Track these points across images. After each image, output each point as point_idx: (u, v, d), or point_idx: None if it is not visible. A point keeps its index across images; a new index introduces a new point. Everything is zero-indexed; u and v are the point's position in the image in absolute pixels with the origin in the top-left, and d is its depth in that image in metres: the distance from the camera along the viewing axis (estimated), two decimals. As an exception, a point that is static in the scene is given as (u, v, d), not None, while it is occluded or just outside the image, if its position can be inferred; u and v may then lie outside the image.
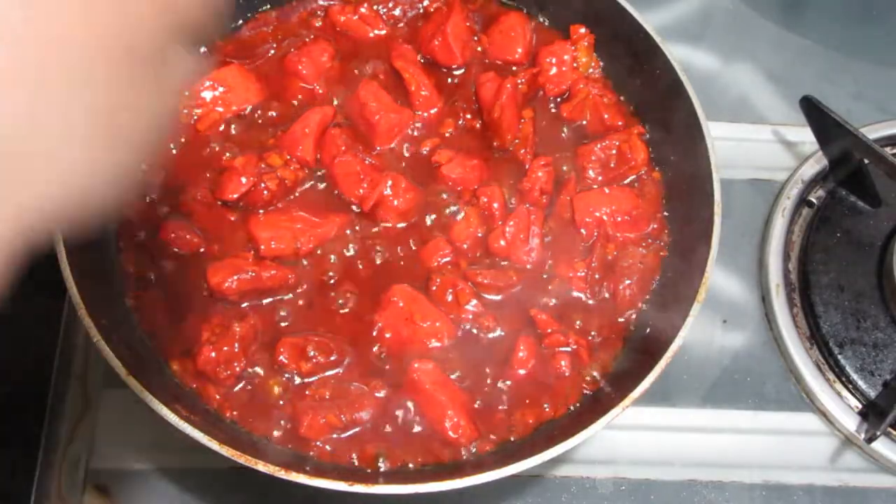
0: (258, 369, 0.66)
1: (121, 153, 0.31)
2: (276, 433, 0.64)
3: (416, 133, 0.75)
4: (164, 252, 0.68)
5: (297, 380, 0.65)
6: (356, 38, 0.79)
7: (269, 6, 0.80)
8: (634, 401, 0.60)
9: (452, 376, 0.66)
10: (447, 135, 0.76)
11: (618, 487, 0.73)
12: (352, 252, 0.70)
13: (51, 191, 0.29)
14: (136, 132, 0.32)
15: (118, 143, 0.31)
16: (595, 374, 0.68)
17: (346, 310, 0.68)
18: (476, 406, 0.66)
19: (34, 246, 0.29)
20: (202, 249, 0.68)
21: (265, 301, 0.68)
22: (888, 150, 0.81)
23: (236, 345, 0.65)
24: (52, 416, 0.71)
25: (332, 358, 0.66)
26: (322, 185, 0.72)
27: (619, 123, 0.77)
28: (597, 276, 0.71)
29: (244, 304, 0.67)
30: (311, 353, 0.66)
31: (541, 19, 0.82)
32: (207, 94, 0.73)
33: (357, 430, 0.65)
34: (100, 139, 0.30)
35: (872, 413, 0.74)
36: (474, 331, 0.68)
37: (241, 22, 0.79)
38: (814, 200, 0.84)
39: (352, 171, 0.71)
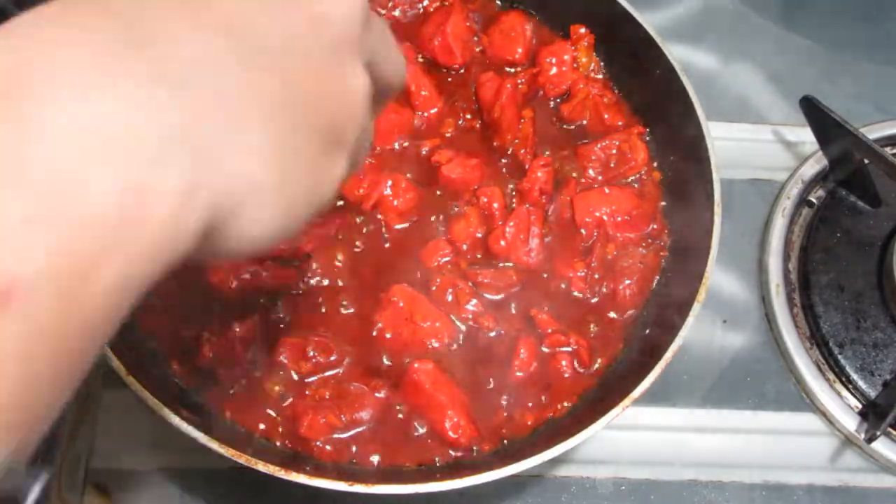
0: (258, 369, 0.66)
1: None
2: (276, 433, 0.64)
3: (416, 133, 0.75)
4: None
5: (297, 380, 0.65)
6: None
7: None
8: (634, 401, 0.60)
9: (452, 376, 0.66)
10: (447, 135, 0.76)
11: (618, 487, 0.72)
12: (352, 252, 0.70)
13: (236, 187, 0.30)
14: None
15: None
16: (595, 374, 0.68)
17: (346, 310, 0.68)
18: (476, 406, 0.66)
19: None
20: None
21: (265, 301, 0.68)
22: (888, 150, 0.81)
23: (236, 345, 0.65)
24: (52, 416, 0.71)
25: (332, 358, 0.66)
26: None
27: (619, 123, 0.77)
28: (597, 276, 0.71)
29: (244, 304, 0.67)
30: (311, 353, 0.66)
31: (541, 19, 0.82)
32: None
33: (357, 430, 0.65)
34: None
35: (872, 413, 0.74)
36: (474, 331, 0.68)
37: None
38: (814, 200, 0.84)
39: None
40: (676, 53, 0.73)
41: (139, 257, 0.27)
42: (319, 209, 0.35)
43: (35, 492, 0.27)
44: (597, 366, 0.69)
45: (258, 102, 0.30)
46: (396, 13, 0.81)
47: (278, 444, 0.64)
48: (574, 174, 0.75)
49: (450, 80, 0.79)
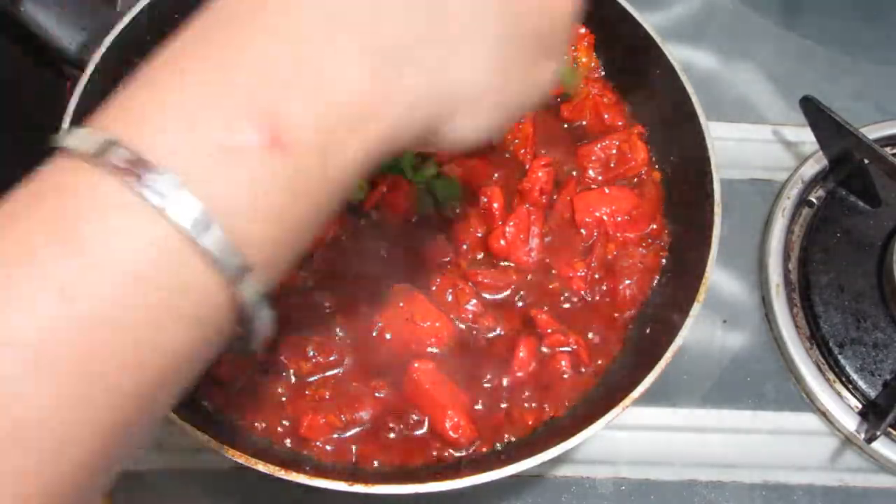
0: (258, 369, 0.66)
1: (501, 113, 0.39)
2: (276, 433, 0.64)
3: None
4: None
5: (297, 380, 0.65)
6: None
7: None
8: (634, 401, 0.60)
9: (452, 376, 0.66)
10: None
11: (618, 487, 0.73)
12: (352, 252, 0.70)
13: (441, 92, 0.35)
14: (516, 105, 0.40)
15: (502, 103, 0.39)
16: (595, 374, 0.68)
17: (347, 310, 0.68)
18: (476, 406, 0.66)
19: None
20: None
21: (265, 301, 0.68)
22: (888, 150, 0.81)
23: (236, 345, 0.65)
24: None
25: (332, 358, 0.66)
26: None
27: (619, 123, 0.77)
28: (597, 276, 0.71)
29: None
30: (311, 353, 0.66)
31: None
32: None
33: (357, 430, 0.65)
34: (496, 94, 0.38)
35: (872, 413, 0.74)
36: (474, 331, 0.68)
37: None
38: (814, 200, 0.84)
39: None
40: (676, 53, 0.73)
41: (377, 138, 0.33)
42: (528, 110, 0.40)
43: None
44: (597, 366, 0.69)
45: (481, 16, 0.35)
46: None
47: (278, 444, 0.64)
48: (574, 174, 0.75)
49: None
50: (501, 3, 0.35)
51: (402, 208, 0.71)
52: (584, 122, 0.77)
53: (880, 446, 0.74)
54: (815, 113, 0.80)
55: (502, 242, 0.70)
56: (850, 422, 0.75)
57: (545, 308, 0.69)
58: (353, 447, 0.64)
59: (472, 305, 0.68)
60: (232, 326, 0.32)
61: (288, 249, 0.32)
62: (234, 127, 0.29)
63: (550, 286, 0.70)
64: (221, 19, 0.33)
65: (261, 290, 0.31)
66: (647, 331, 0.69)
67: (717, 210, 0.68)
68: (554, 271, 0.71)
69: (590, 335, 0.70)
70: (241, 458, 0.56)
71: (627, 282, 0.71)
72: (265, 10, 0.32)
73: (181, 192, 0.28)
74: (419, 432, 0.65)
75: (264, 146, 0.29)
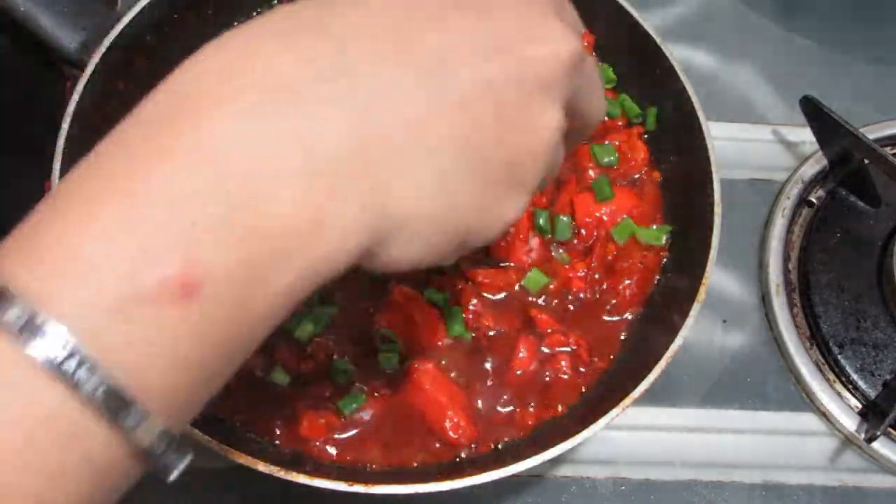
0: (258, 369, 0.66)
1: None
2: (275, 433, 0.64)
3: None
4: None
5: (297, 380, 0.65)
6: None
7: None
8: (634, 401, 0.60)
9: (452, 376, 0.66)
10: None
11: (618, 487, 0.72)
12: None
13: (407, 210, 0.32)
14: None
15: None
16: (595, 374, 0.68)
17: (346, 310, 0.68)
18: (476, 406, 0.66)
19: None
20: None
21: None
22: (888, 150, 0.81)
23: (236, 345, 0.65)
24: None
25: (333, 358, 0.66)
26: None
27: (619, 123, 0.77)
28: (597, 276, 0.71)
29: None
30: (311, 353, 0.66)
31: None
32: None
33: (357, 430, 0.65)
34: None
35: (872, 413, 0.74)
36: (474, 331, 0.68)
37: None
38: (814, 200, 0.84)
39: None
40: (676, 53, 0.73)
41: (308, 270, 0.30)
42: (482, 244, 0.36)
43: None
44: (597, 366, 0.69)
45: (435, 138, 0.31)
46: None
47: (278, 444, 0.64)
48: (574, 174, 0.75)
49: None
50: (466, 125, 0.32)
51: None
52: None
53: (880, 446, 0.74)
54: (815, 113, 0.80)
55: (502, 242, 0.70)
56: (850, 422, 0.75)
57: (545, 308, 0.70)
58: (353, 447, 0.64)
59: (472, 305, 0.68)
60: (141, 468, 0.31)
61: (201, 392, 0.30)
62: (135, 275, 0.27)
63: (551, 286, 0.70)
64: (135, 135, 0.29)
65: (169, 434, 0.30)
66: (647, 331, 0.69)
67: (717, 210, 0.68)
68: (554, 271, 0.71)
69: (590, 335, 0.70)
70: (241, 458, 0.56)
71: (627, 282, 0.71)
72: (179, 127, 0.28)
73: (73, 345, 0.26)
74: (419, 432, 0.65)
75: (170, 296, 0.27)
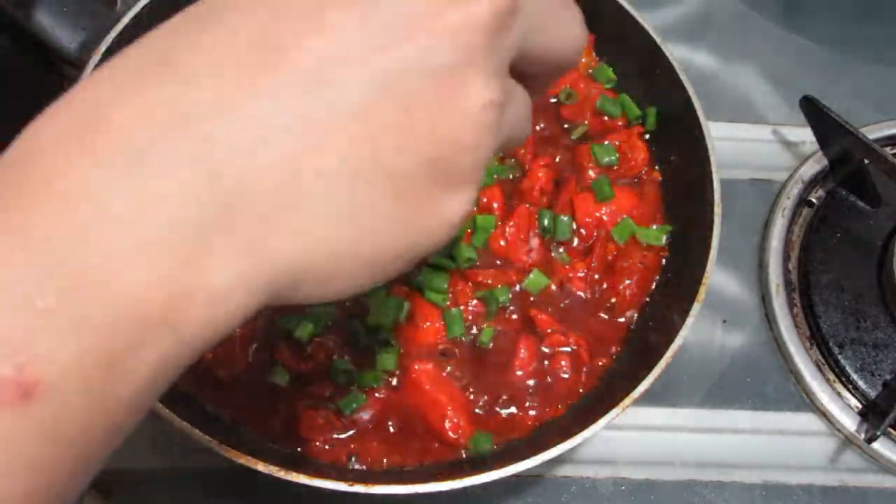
0: (258, 370, 0.66)
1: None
2: (276, 433, 0.64)
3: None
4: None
5: (297, 380, 0.65)
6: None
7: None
8: (634, 401, 0.60)
9: (452, 376, 0.66)
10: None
11: (618, 487, 0.72)
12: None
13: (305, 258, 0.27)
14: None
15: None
16: (595, 374, 0.68)
17: (346, 310, 0.68)
18: (476, 406, 0.66)
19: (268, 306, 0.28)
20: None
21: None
22: (888, 150, 0.81)
23: (236, 345, 0.65)
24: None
25: (332, 358, 0.66)
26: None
27: (619, 123, 0.77)
28: (597, 276, 0.71)
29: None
30: (311, 353, 0.66)
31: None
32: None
33: (357, 430, 0.65)
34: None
35: (872, 413, 0.74)
36: (474, 330, 0.68)
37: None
38: (814, 200, 0.84)
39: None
40: (676, 53, 0.73)
41: (176, 350, 0.26)
42: (433, 251, 0.31)
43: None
44: (597, 366, 0.69)
45: (313, 171, 0.26)
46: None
47: (278, 444, 0.64)
48: (574, 174, 0.75)
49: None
50: (352, 144, 0.27)
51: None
52: (584, 122, 0.77)
53: (880, 446, 0.73)
54: (815, 113, 0.80)
55: (502, 243, 0.70)
56: (850, 422, 0.75)
57: (545, 308, 0.70)
58: (353, 447, 0.64)
59: (472, 305, 0.68)
60: None
61: (68, 486, 0.26)
62: None
63: (551, 286, 0.70)
64: None
65: None
66: (647, 331, 0.69)
67: (717, 210, 0.68)
68: (554, 271, 0.71)
69: (590, 335, 0.70)
70: (241, 459, 0.56)
71: (627, 282, 0.71)
72: (5, 203, 0.24)
73: None
74: (419, 432, 0.65)
75: (5, 397, 0.23)
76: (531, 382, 0.67)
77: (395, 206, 0.28)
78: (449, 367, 0.67)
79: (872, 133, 0.84)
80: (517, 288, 0.70)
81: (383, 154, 0.27)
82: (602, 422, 0.59)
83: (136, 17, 0.68)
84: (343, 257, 0.28)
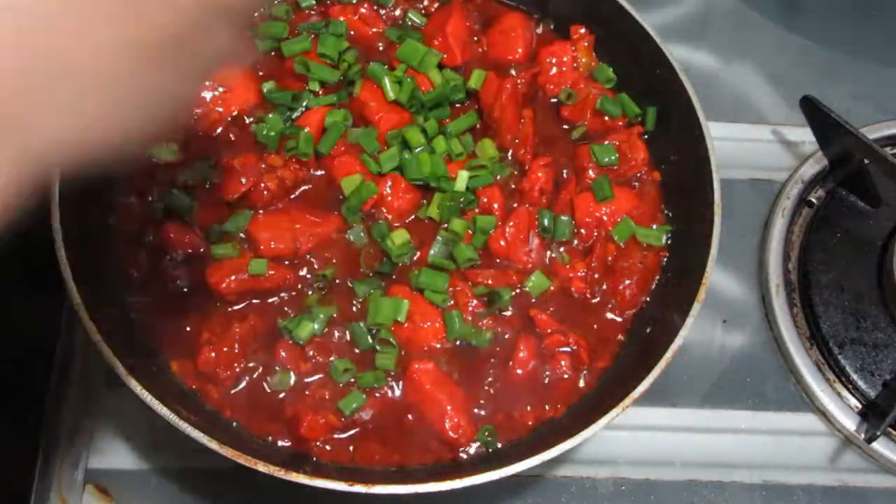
0: (258, 370, 0.66)
1: (133, 110, 0.33)
2: (276, 433, 0.64)
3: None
4: (163, 252, 0.68)
5: (297, 380, 0.65)
6: (356, 39, 0.79)
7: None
8: (634, 401, 0.60)
9: (452, 376, 0.66)
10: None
11: (618, 487, 0.73)
12: (350, 252, 0.70)
13: (53, 132, 0.30)
14: (154, 98, 0.34)
15: (132, 99, 0.33)
16: (595, 374, 0.68)
17: (346, 310, 0.68)
18: (476, 406, 0.66)
19: (31, 189, 0.30)
20: (202, 250, 0.68)
21: (265, 301, 0.68)
22: (888, 150, 0.81)
23: (236, 345, 0.65)
24: (51, 416, 0.71)
25: (332, 358, 0.66)
26: (322, 186, 0.72)
27: (619, 123, 0.77)
28: (597, 276, 0.71)
29: (243, 305, 0.67)
30: (311, 353, 0.66)
31: (540, 19, 0.82)
32: (207, 94, 0.73)
33: (357, 430, 0.65)
34: (115, 93, 0.32)
35: (872, 413, 0.74)
36: (474, 331, 0.68)
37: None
38: (814, 200, 0.84)
39: (352, 170, 0.71)
40: (676, 53, 0.73)
41: None
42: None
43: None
44: (597, 366, 0.69)
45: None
46: (397, 13, 0.81)
47: (278, 444, 0.64)
48: (574, 174, 0.75)
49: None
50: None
51: (401, 208, 0.71)
52: (584, 122, 0.77)
53: (880, 446, 0.74)
54: (815, 113, 0.80)
55: (502, 242, 0.70)
56: (850, 422, 0.75)
57: (545, 308, 0.70)
58: (353, 447, 0.64)
59: (472, 306, 0.68)
60: None
61: None
62: None
63: (551, 286, 0.70)
64: None
65: None
66: (647, 331, 0.69)
67: (717, 210, 0.68)
68: (554, 271, 0.71)
69: (590, 335, 0.69)
70: (241, 459, 0.56)
71: (627, 282, 0.71)
72: None
73: None
74: (419, 432, 0.65)
75: None
76: (531, 382, 0.67)
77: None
78: (449, 367, 0.67)
79: (872, 133, 0.84)
80: (517, 291, 0.70)
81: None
82: (602, 422, 0.59)
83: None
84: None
